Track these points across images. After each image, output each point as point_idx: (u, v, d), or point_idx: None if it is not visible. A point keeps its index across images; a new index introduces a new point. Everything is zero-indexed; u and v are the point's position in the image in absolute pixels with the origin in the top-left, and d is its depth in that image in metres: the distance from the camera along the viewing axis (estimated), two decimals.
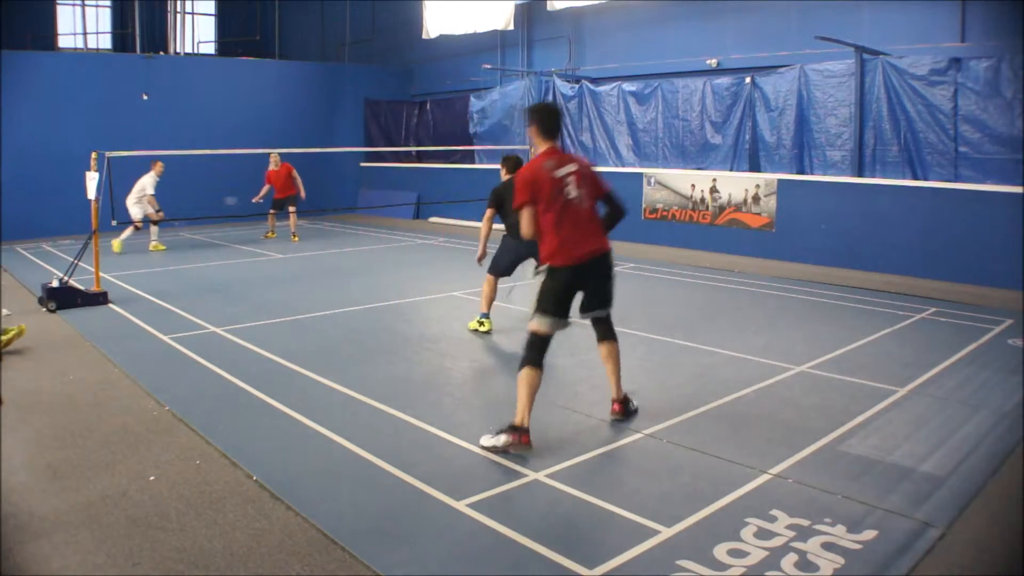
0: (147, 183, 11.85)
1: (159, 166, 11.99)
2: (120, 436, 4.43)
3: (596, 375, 5.56)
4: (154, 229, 12.38)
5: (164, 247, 12.35)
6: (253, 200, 13.92)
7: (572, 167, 4.38)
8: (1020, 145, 9.25)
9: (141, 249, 12.40)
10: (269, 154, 13.68)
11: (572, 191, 4.33)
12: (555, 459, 4.03)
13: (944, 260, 9.54)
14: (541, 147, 4.46)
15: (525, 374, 4.20)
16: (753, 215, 11.62)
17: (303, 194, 13.69)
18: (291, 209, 13.73)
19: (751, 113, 11.94)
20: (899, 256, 9.95)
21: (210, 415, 4.74)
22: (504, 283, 6.96)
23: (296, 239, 13.64)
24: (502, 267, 6.82)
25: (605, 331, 4.67)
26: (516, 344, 6.49)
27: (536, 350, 4.24)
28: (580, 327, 5.83)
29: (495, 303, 6.89)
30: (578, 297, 4.47)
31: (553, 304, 4.25)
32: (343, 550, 3.16)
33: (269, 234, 14.16)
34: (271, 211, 14.04)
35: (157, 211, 11.97)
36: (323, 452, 4.19)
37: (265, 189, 13.82)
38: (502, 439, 4.15)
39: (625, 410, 4.69)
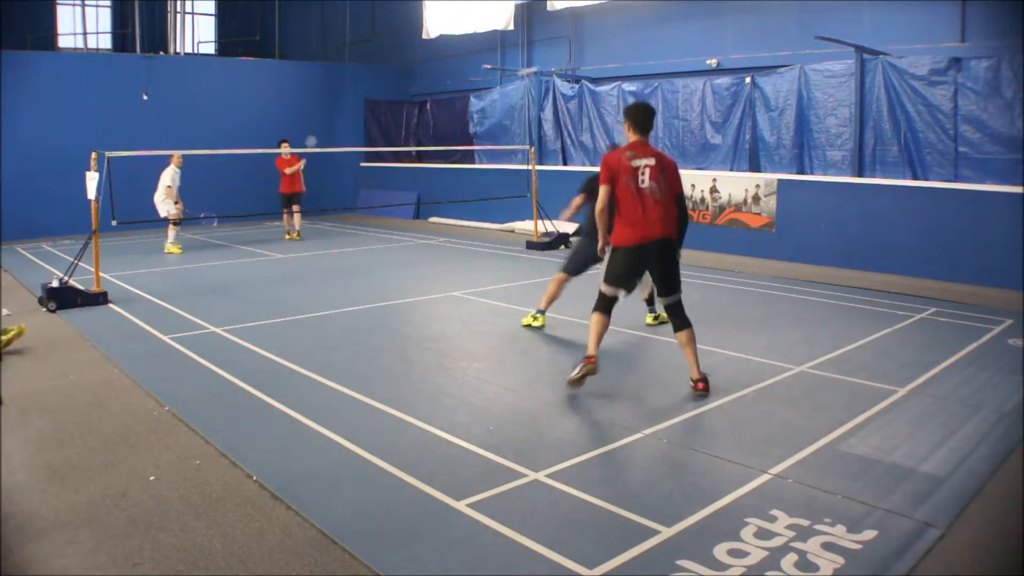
0: (166, 177, 11.79)
1: (177, 158, 11.89)
2: (120, 436, 4.43)
3: (596, 375, 5.56)
4: (171, 232, 12.15)
5: (180, 250, 12.10)
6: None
7: (651, 160, 5.04)
8: (1020, 145, 9.25)
9: (142, 250, 12.40)
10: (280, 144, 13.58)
11: (645, 181, 4.99)
12: (555, 459, 4.03)
13: (944, 260, 9.53)
14: (631, 139, 5.16)
15: (594, 318, 5.18)
16: (753, 215, 11.62)
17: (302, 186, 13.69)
18: (295, 208, 13.72)
19: (751, 113, 11.94)
20: (899, 256, 9.94)
21: (210, 415, 4.74)
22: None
23: (299, 237, 13.65)
24: (576, 266, 6.80)
25: (678, 322, 5.19)
26: (517, 345, 6.51)
27: (603, 303, 5.22)
28: (581, 328, 5.83)
29: (490, 304, 6.87)
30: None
31: (612, 277, 5.15)
32: (343, 550, 3.16)
33: (289, 235, 14.16)
34: (284, 210, 13.97)
35: (176, 203, 11.82)
36: (323, 452, 4.19)
37: (297, 165, 13.58)
38: (576, 369, 5.04)
39: (707, 386, 5.09)
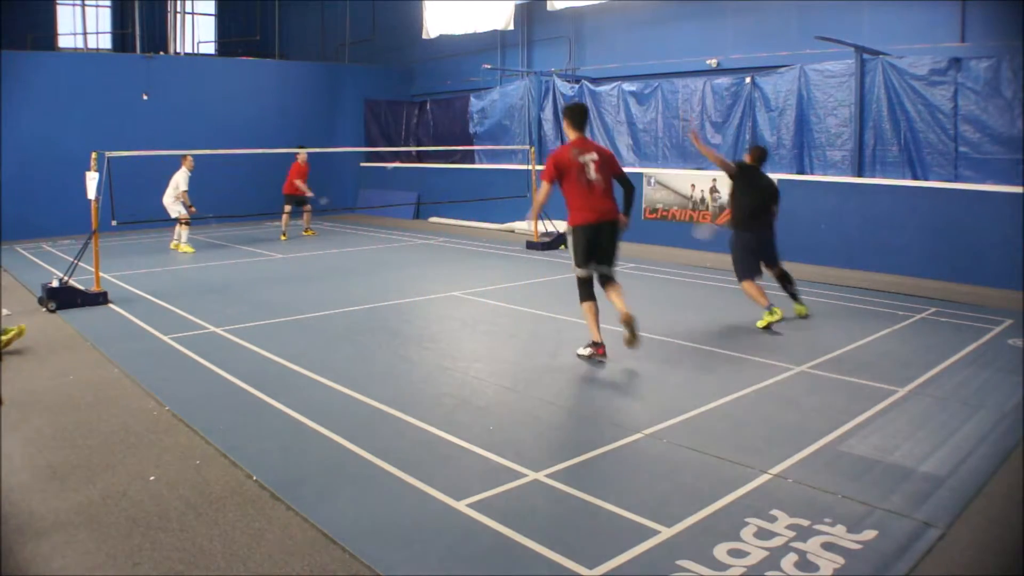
0: (180, 179, 11.86)
1: (189, 161, 11.96)
2: (120, 436, 4.43)
3: (597, 375, 5.57)
4: (180, 231, 12.20)
5: (193, 249, 12.08)
6: (321, 201, 14.03)
7: (594, 155, 5.80)
8: (1020, 145, 9.25)
9: (142, 250, 12.40)
10: (298, 152, 13.76)
11: (592, 173, 5.74)
12: (555, 459, 4.03)
13: (944, 260, 9.53)
14: (571, 136, 5.91)
15: (584, 307, 5.84)
16: None
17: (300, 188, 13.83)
18: (306, 207, 13.90)
19: (751, 113, 11.94)
20: (899, 256, 9.94)
21: (210, 415, 4.74)
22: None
23: (293, 235, 13.74)
24: (751, 268, 6.97)
25: (608, 281, 5.91)
26: (517, 345, 6.51)
27: (584, 288, 5.85)
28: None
29: (490, 304, 6.87)
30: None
31: (581, 256, 5.80)
32: (343, 550, 3.16)
33: (308, 231, 14.29)
34: (302, 208, 14.10)
35: (188, 207, 11.89)
36: (323, 452, 4.19)
37: (301, 184, 13.76)
38: (588, 351, 5.81)
39: (632, 328, 5.60)
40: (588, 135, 6.22)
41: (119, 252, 11.94)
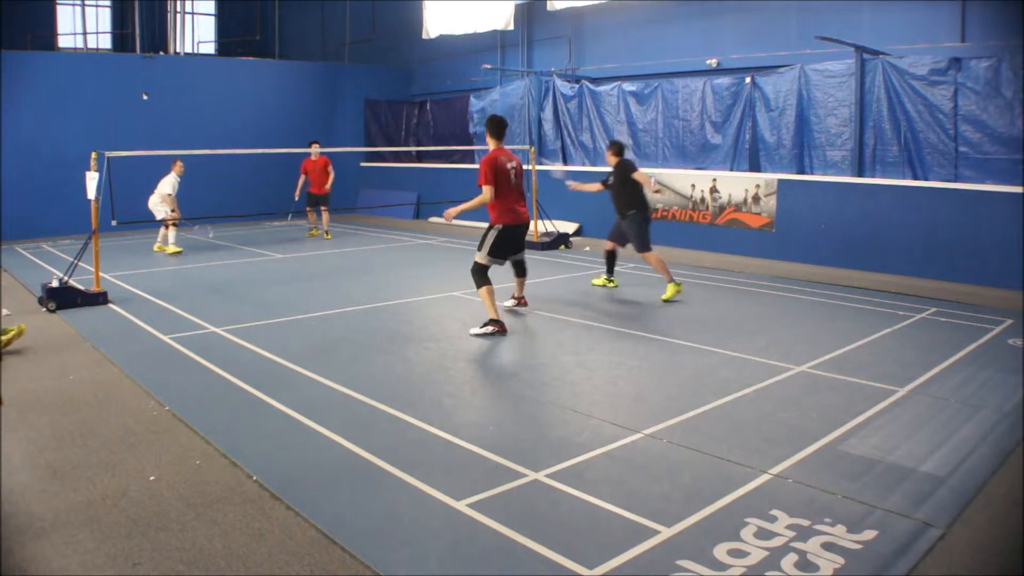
0: (165, 184, 11.78)
1: (178, 166, 11.91)
2: (120, 436, 4.43)
3: (597, 375, 5.57)
4: (164, 232, 12.08)
5: (180, 249, 11.98)
6: (295, 198, 13.94)
7: (514, 163, 6.83)
8: (1020, 145, 9.25)
9: (142, 250, 12.40)
10: (310, 145, 13.77)
11: (512, 178, 6.76)
12: (555, 459, 4.03)
13: (944, 260, 9.54)
14: (495, 146, 6.82)
15: (484, 290, 6.69)
16: (753, 215, 11.62)
17: (328, 188, 13.82)
18: (323, 208, 13.80)
19: (751, 113, 11.94)
20: (899, 256, 9.95)
21: (210, 415, 4.74)
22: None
23: (329, 236, 13.72)
24: (646, 239, 8.19)
25: (521, 270, 7.39)
26: (517, 346, 6.51)
27: (482, 274, 6.75)
28: (581, 328, 5.84)
29: (497, 305, 6.88)
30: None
31: (496, 249, 6.80)
32: (343, 550, 3.16)
33: (313, 232, 14.23)
34: (308, 208, 14.05)
35: (172, 211, 11.81)
36: (323, 452, 4.19)
37: (301, 180, 13.82)
38: (488, 328, 6.59)
39: (524, 303, 7.52)
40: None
41: (119, 252, 11.94)
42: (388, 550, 3.16)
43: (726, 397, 5.04)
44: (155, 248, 12.20)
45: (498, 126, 6.85)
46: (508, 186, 6.68)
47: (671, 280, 8.09)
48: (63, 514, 3.48)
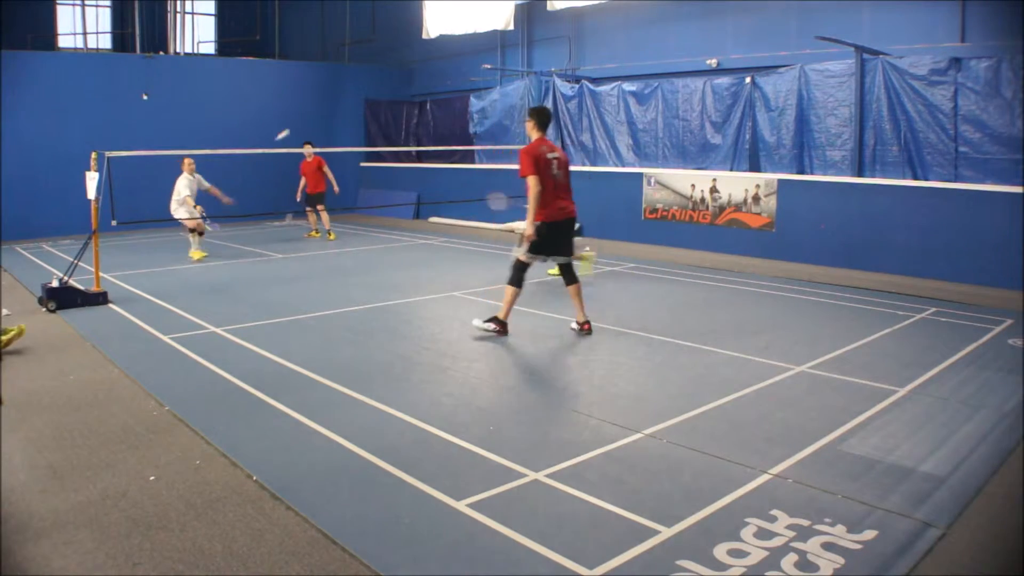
0: (180, 186, 11.30)
1: (188, 164, 11.37)
2: (120, 436, 4.43)
3: (596, 375, 5.57)
4: (190, 239, 11.61)
5: (205, 254, 11.52)
6: (298, 199, 13.97)
7: (557, 154, 6.46)
8: (1020, 145, 9.25)
9: (142, 250, 12.40)
10: (304, 146, 13.72)
11: (555, 169, 6.37)
12: (555, 459, 4.03)
13: (944, 260, 9.54)
14: (537, 136, 6.42)
15: (511, 290, 6.45)
16: (753, 215, 11.62)
17: (336, 188, 13.79)
18: (320, 207, 13.76)
19: (751, 113, 11.94)
20: (899, 256, 9.95)
21: (210, 415, 4.74)
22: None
23: (332, 237, 13.68)
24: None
25: (570, 278, 6.72)
26: (516, 346, 6.51)
27: (520, 272, 6.48)
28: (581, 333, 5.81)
29: (490, 304, 6.89)
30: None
31: (535, 245, 6.39)
32: (343, 550, 3.16)
33: (313, 233, 14.19)
34: (308, 208, 14.07)
35: (195, 207, 11.30)
36: (323, 452, 4.19)
37: (302, 183, 13.89)
38: (490, 326, 6.50)
39: (590, 328, 6.64)
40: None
41: (119, 252, 11.94)
42: (388, 550, 3.16)
43: (726, 397, 5.04)
44: (193, 257, 11.44)
45: (542, 115, 6.50)
46: (549, 178, 6.29)
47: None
48: (63, 514, 3.48)
